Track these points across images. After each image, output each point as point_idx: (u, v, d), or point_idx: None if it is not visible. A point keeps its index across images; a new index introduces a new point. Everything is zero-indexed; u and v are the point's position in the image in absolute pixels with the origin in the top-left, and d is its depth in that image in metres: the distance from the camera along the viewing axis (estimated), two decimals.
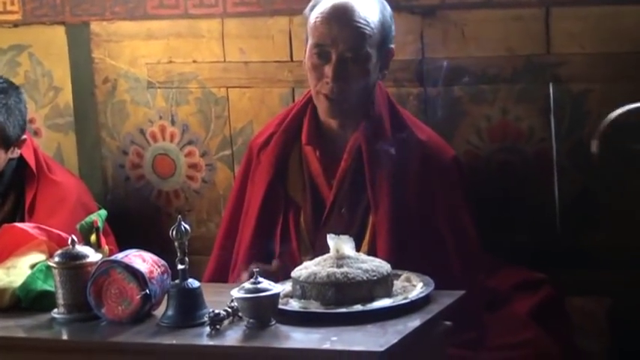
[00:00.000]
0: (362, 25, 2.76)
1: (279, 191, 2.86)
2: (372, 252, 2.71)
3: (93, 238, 2.63)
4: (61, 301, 2.52)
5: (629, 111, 2.75)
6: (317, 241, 2.79)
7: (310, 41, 2.80)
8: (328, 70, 2.76)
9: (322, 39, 2.77)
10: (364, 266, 2.47)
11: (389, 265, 2.51)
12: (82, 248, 2.54)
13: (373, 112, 2.82)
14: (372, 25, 2.77)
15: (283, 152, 2.88)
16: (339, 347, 2.26)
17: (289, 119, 2.91)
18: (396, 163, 2.78)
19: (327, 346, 2.27)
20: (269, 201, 2.85)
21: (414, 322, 2.36)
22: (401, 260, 2.62)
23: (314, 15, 2.79)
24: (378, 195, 2.77)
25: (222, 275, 2.90)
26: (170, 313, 2.44)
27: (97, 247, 2.61)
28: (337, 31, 2.75)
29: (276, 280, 2.48)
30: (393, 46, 2.85)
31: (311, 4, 2.84)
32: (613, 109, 2.97)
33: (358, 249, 2.57)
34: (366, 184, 2.79)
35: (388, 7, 2.85)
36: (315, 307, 2.43)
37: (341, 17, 2.76)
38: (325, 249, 2.54)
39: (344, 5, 2.77)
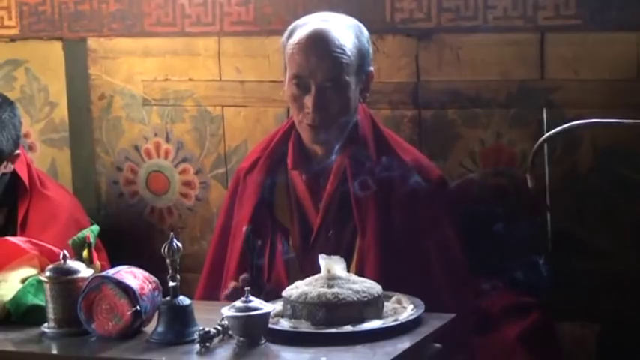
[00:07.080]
0: (339, 55, 2.75)
1: (266, 214, 2.86)
2: (360, 275, 2.71)
3: (85, 253, 2.63)
4: (51, 315, 2.52)
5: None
6: (305, 265, 2.79)
7: (288, 72, 2.80)
8: (308, 100, 2.76)
9: (300, 70, 2.76)
10: (355, 287, 2.48)
11: (380, 287, 2.52)
12: (73, 263, 2.55)
13: (357, 135, 2.83)
14: (349, 53, 2.76)
15: (269, 176, 2.88)
16: None
17: (274, 144, 2.91)
18: (382, 185, 2.78)
19: None
20: (255, 224, 2.85)
21: (403, 344, 2.37)
22: (389, 283, 2.61)
23: (290, 44, 2.79)
24: (365, 218, 2.77)
25: (213, 299, 2.89)
26: (160, 329, 2.44)
27: (89, 262, 2.62)
28: (315, 62, 2.74)
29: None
30: (372, 68, 2.86)
31: (288, 30, 2.84)
32: (605, 135, 3.00)
33: (347, 272, 2.57)
34: (352, 207, 2.79)
35: (365, 31, 2.84)
36: (305, 326, 2.44)
37: (317, 47, 2.75)
38: (314, 272, 2.54)
39: (320, 34, 2.76)
